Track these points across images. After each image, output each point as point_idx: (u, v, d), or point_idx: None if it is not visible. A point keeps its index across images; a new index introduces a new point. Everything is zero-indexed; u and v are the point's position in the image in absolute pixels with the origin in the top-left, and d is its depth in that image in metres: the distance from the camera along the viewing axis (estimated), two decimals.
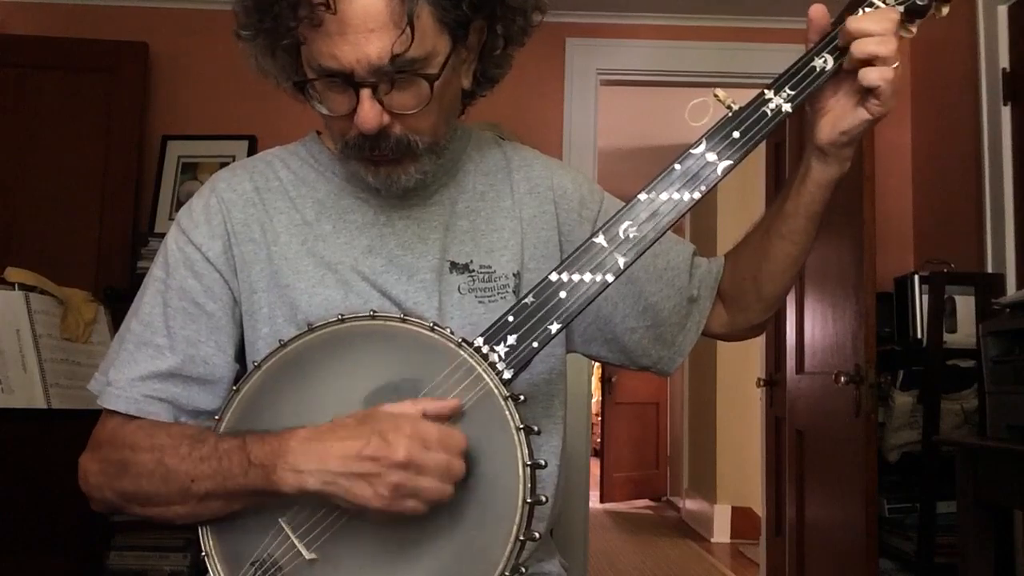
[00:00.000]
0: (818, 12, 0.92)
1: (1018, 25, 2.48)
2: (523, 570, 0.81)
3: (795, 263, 1.05)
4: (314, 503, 0.85)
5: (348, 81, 0.88)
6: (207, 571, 0.88)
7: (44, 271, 2.25)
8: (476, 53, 0.98)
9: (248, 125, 2.99)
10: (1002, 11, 2.53)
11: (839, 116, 0.93)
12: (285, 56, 0.95)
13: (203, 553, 0.89)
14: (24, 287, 2.17)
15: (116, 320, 2.34)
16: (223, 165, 2.89)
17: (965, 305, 2.49)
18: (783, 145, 3.37)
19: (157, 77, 3.05)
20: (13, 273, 2.18)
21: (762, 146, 3.74)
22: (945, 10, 0.94)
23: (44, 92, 2.89)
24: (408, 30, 0.85)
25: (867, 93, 0.90)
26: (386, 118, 0.90)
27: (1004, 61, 2.51)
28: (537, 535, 0.82)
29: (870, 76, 0.88)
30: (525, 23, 0.99)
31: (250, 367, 0.93)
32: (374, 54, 0.86)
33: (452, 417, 0.85)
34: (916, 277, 2.52)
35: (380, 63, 0.86)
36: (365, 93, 0.88)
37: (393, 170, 0.96)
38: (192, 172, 2.97)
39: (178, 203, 2.92)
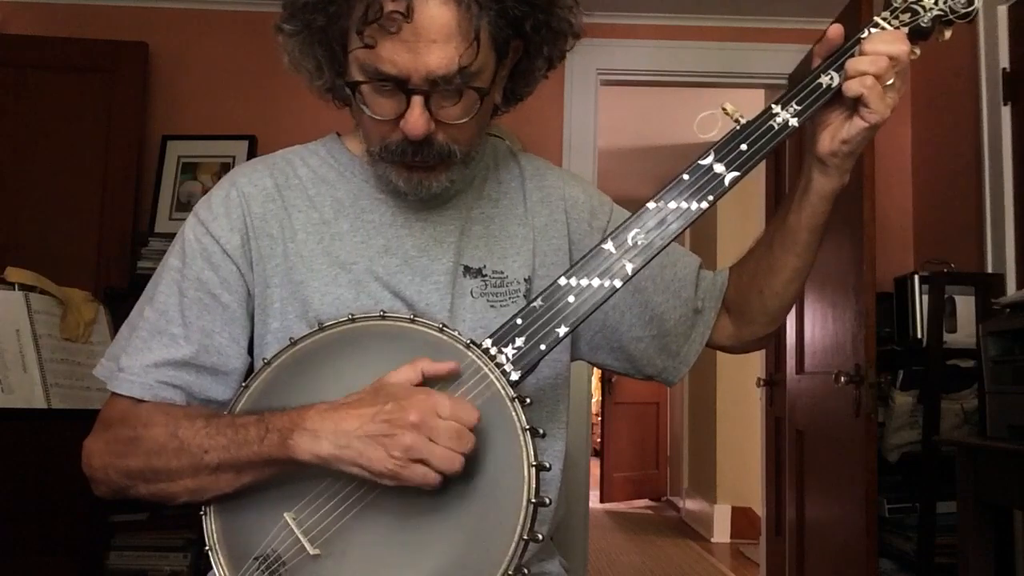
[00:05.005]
0: (835, 32, 0.95)
1: (1018, 25, 2.49)
2: (526, 571, 0.81)
3: (799, 276, 1.07)
4: (324, 481, 0.86)
5: (401, 87, 0.89)
6: (211, 566, 0.88)
7: (44, 271, 2.24)
8: (508, 71, 1.00)
9: (248, 125, 2.99)
10: (1002, 11, 2.53)
11: (838, 127, 0.96)
12: (324, 54, 0.96)
13: (207, 548, 0.89)
14: (24, 287, 2.16)
15: (116, 320, 2.33)
16: (223, 165, 2.94)
17: (965, 305, 2.49)
18: (783, 156, 3.37)
19: (157, 77, 3.05)
20: (13, 273, 2.18)
21: None
22: (948, 33, 0.97)
23: (44, 92, 2.88)
24: (474, 44, 0.87)
25: (857, 102, 0.92)
26: (432, 126, 0.91)
27: (1004, 61, 2.51)
28: (540, 536, 0.82)
29: (851, 87, 0.92)
30: (563, 47, 1.01)
31: (259, 363, 0.93)
32: (434, 64, 0.87)
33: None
34: (916, 277, 2.53)
35: (440, 73, 0.87)
36: (417, 100, 0.89)
37: (426, 177, 0.97)
38: (192, 172, 2.97)
39: (178, 203, 2.92)
